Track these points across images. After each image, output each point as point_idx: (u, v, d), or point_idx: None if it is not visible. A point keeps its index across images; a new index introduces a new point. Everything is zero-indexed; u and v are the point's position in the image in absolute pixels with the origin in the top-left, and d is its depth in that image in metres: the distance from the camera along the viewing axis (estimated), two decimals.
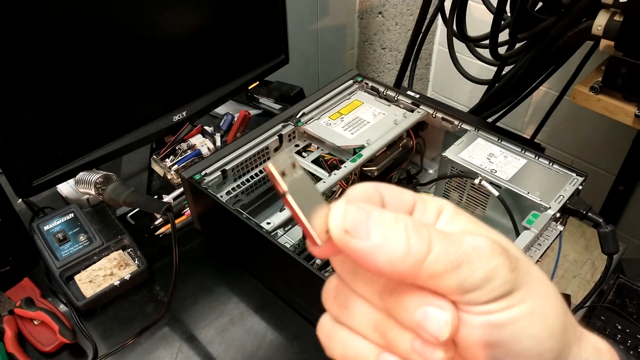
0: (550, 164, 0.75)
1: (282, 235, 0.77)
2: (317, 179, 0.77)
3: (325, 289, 0.25)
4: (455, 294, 0.21)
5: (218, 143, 0.97)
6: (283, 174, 0.21)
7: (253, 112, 1.08)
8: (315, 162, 0.82)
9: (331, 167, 0.81)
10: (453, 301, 0.21)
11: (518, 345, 0.21)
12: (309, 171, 0.79)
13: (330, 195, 0.79)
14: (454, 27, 1.06)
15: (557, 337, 0.22)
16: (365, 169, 0.81)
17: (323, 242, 0.21)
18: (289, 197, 0.21)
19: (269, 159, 0.82)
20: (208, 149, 0.96)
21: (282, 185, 0.21)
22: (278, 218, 0.69)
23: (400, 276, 0.20)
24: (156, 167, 0.95)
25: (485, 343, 0.21)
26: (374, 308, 0.23)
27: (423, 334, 0.21)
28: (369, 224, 0.20)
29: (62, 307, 0.73)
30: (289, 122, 0.84)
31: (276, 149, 0.83)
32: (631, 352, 0.82)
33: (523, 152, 0.77)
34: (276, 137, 0.82)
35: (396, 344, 0.22)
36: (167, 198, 0.88)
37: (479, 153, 0.76)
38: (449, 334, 0.20)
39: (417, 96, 0.87)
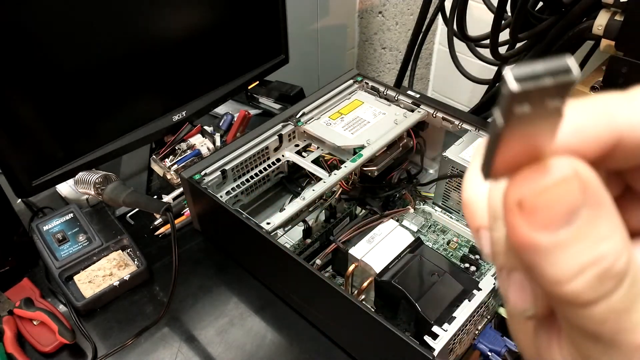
0: None
1: (282, 235, 0.77)
2: (317, 179, 0.77)
3: None
4: None
5: (218, 143, 0.97)
6: None
7: (253, 112, 1.07)
8: (315, 162, 0.82)
9: (331, 167, 0.81)
10: None
11: None
12: None
13: (330, 195, 0.79)
14: (455, 26, 1.06)
15: None
16: (365, 169, 0.81)
17: None
18: None
19: (268, 158, 0.82)
20: (208, 148, 0.95)
21: None
22: (278, 218, 0.69)
23: None
24: (156, 167, 0.95)
25: None
26: None
27: None
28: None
29: (62, 308, 0.73)
30: (289, 122, 0.84)
31: (276, 149, 0.83)
32: None
33: None
34: (276, 137, 0.82)
35: None
36: (166, 198, 0.88)
37: None
38: None
39: (418, 96, 0.87)
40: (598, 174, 0.15)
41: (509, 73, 0.13)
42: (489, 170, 0.15)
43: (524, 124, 0.14)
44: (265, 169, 0.81)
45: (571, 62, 0.13)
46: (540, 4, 0.95)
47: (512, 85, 0.13)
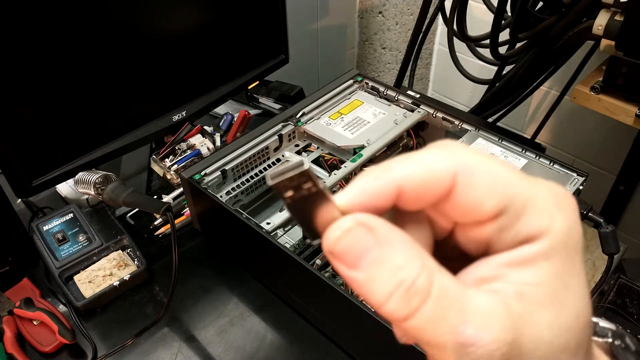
0: (551, 164, 0.75)
1: (282, 235, 0.77)
2: None
3: None
4: None
5: (218, 143, 0.97)
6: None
7: (253, 112, 1.07)
8: (315, 162, 0.82)
9: (331, 167, 0.81)
10: None
11: None
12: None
13: None
14: (455, 26, 1.06)
15: None
16: (365, 169, 0.81)
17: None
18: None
19: (268, 158, 0.82)
20: (208, 148, 0.95)
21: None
22: (278, 218, 0.69)
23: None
24: (156, 167, 0.95)
25: None
26: None
27: None
28: (360, 260, 0.18)
29: (62, 308, 0.73)
30: (289, 122, 0.84)
31: (276, 149, 0.83)
32: None
33: (524, 152, 0.76)
34: (276, 137, 0.82)
35: None
36: (166, 198, 0.88)
37: None
38: None
39: (418, 96, 0.87)
40: (406, 218, 0.20)
41: (267, 175, 0.19)
42: (310, 235, 0.20)
43: (300, 202, 0.19)
44: (265, 169, 0.81)
45: (304, 159, 0.19)
46: (540, 4, 0.95)
47: (269, 182, 0.19)
